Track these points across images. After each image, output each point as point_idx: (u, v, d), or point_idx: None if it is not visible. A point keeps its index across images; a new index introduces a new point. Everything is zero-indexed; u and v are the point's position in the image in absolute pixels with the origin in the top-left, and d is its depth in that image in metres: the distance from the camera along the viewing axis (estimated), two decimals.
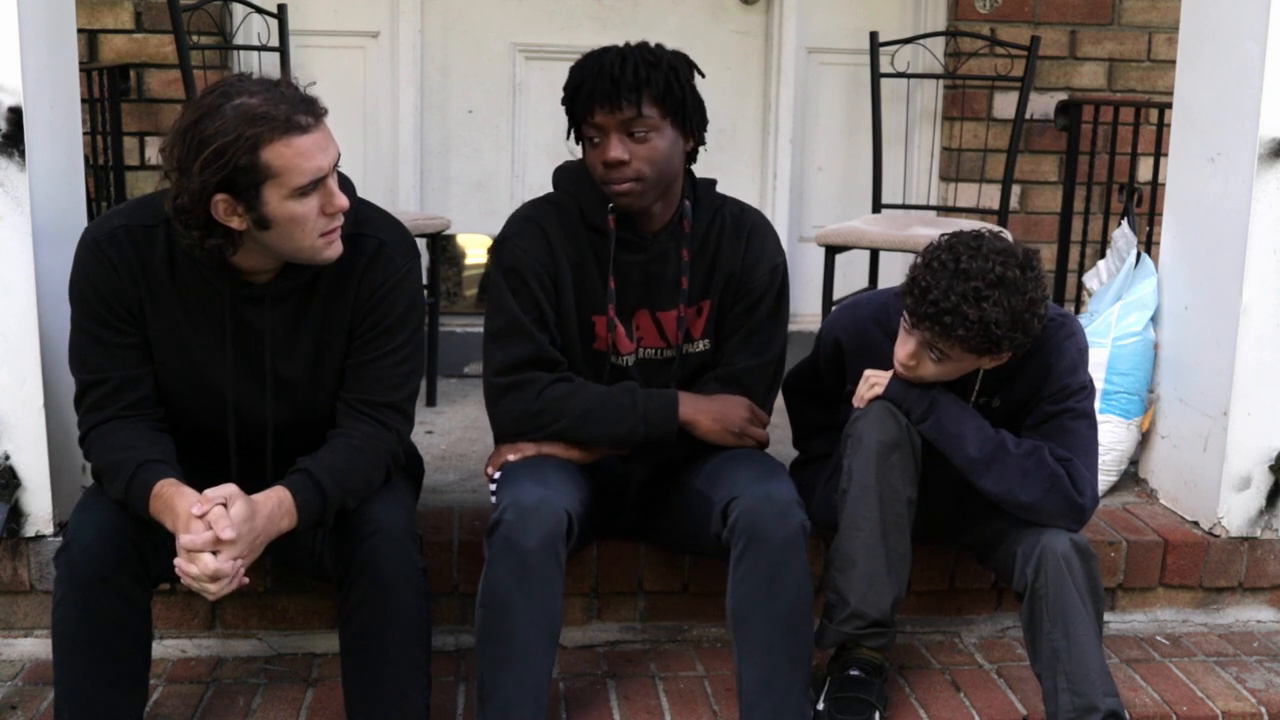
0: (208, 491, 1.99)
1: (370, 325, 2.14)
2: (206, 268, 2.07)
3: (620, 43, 2.30)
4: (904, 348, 2.28)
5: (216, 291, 2.09)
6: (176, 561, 1.95)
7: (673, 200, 2.36)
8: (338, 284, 2.13)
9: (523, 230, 2.36)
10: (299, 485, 2.05)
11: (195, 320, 2.11)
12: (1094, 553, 2.31)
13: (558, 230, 2.35)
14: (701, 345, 2.44)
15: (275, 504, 2.02)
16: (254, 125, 1.90)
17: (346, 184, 2.12)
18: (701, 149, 2.37)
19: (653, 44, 2.30)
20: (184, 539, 1.94)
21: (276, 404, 2.16)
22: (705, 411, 2.37)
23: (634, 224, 2.35)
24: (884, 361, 2.38)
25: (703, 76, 2.34)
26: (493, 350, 2.36)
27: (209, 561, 1.94)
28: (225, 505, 1.96)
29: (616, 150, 2.23)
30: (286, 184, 1.94)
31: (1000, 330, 2.16)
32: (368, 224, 2.16)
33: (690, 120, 2.29)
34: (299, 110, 1.94)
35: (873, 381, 2.35)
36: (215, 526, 1.94)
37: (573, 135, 2.33)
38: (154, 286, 2.09)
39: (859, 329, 2.47)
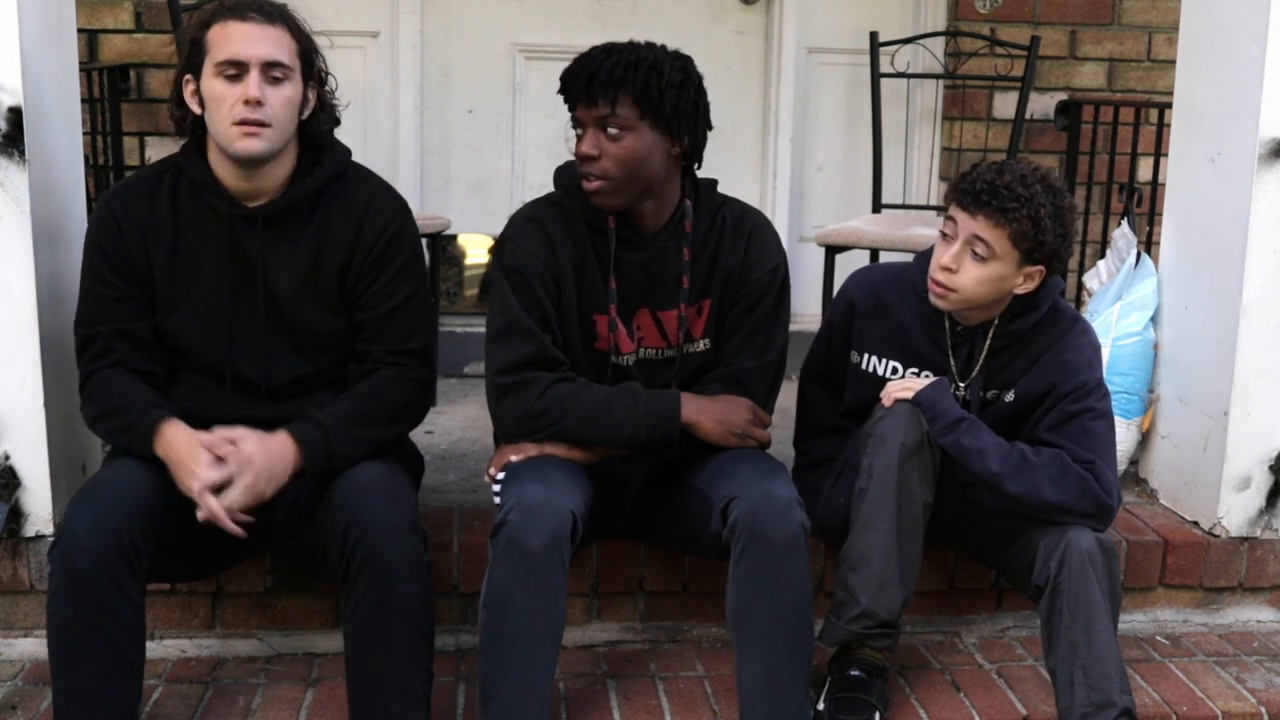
0: (217, 430, 2.12)
1: (377, 272, 2.26)
2: (208, 191, 2.21)
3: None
4: (946, 251, 2.30)
5: (218, 214, 2.22)
6: (198, 495, 2.07)
7: (668, 200, 2.36)
8: (330, 213, 2.26)
9: (525, 230, 2.36)
10: (299, 427, 2.17)
11: (199, 252, 2.23)
12: (1116, 551, 2.32)
13: (559, 229, 2.35)
14: (702, 345, 2.43)
15: (280, 446, 2.13)
16: (215, 8, 2.20)
17: (344, 149, 2.32)
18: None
19: (656, 44, 2.31)
20: (196, 471, 2.08)
21: (270, 326, 2.24)
22: (707, 413, 2.36)
23: (633, 224, 2.35)
24: (895, 323, 2.41)
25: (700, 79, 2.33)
26: (495, 350, 2.35)
27: (213, 505, 2.07)
28: (234, 442, 2.10)
29: (586, 145, 2.27)
30: (213, 59, 2.16)
31: (1045, 216, 2.22)
32: (363, 176, 2.33)
33: (674, 124, 2.27)
34: (252, 8, 2.17)
35: (904, 385, 2.36)
36: (219, 450, 2.09)
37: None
38: (160, 226, 2.23)
39: (874, 289, 2.50)
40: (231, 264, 2.23)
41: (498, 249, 2.40)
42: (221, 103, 2.15)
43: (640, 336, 2.41)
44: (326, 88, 2.30)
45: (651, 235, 2.37)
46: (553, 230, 2.35)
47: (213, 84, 2.16)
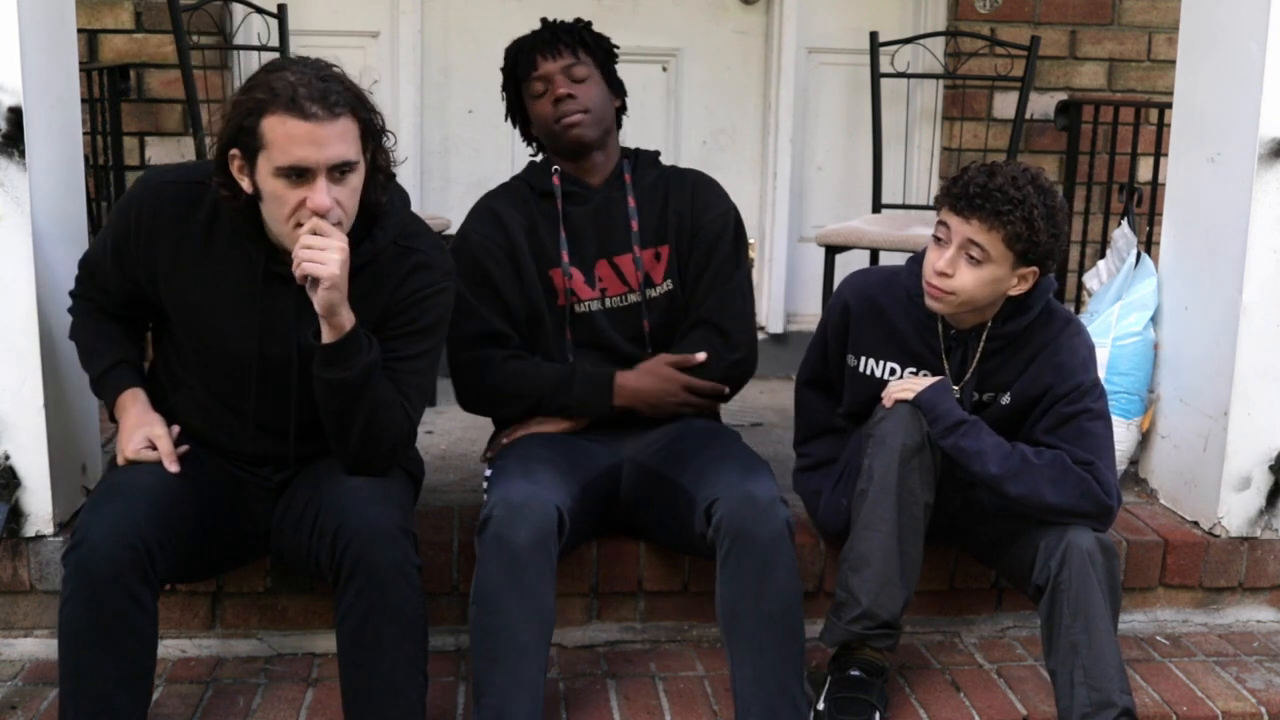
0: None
1: (400, 325, 2.18)
2: (246, 236, 2.12)
3: (620, 44, 2.64)
4: (941, 255, 2.30)
5: (250, 261, 2.13)
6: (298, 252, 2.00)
7: (611, 153, 2.59)
8: (372, 284, 2.15)
9: (473, 215, 2.58)
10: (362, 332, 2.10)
11: (220, 286, 2.15)
12: (1116, 552, 2.33)
13: (506, 206, 2.56)
14: (664, 287, 2.58)
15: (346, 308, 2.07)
16: (266, 94, 1.98)
17: (400, 195, 2.22)
18: (625, 117, 2.65)
19: None
20: (125, 450, 2.16)
21: (299, 377, 2.16)
22: (635, 395, 2.51)
23: (579, 180, 2.55)
24: (888, 325, 2.41)
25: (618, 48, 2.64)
26: (451, 330, 2.45)
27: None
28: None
29: (564, 87, 2.49)
30: (272, 159, 1.99)
31: (1038, 217, 2.23)
32: (415, 239, 2.22)
33: (614, 76, 2.59)
34: (314, 99, 1.97)
35: (905, 385, 2.36)
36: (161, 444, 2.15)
37: (521, 128, 2.62)
38: (183, 245, 2.15)
39: (868, 291, 2.51)
40: (263, 315, 2.15)
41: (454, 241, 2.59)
42: (283, 205, 2.00)
43: (603, 286, 2.55)
44: (384, 143, 2.12)
45: (596, 189, 2.57)
46: (500, 208, 2.56)
47: (273, 183, 2.00)
